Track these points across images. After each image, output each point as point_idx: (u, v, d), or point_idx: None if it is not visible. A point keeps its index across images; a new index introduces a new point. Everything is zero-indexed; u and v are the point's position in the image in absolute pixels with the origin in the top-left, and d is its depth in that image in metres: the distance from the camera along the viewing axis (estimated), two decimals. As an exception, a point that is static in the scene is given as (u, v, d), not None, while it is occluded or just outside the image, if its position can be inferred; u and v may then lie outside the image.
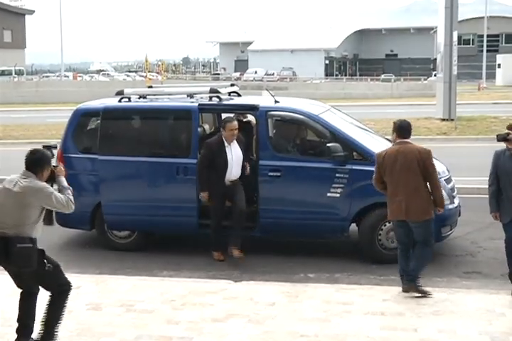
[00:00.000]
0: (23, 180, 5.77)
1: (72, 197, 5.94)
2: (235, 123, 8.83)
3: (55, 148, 6.39)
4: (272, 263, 8.73)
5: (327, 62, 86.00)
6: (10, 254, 5.67)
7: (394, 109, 32.39)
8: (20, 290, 6.06)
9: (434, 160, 7.37)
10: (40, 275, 5.86)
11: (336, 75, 79.16)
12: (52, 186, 5.95)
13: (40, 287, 6.04)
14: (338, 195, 8.81)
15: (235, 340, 6.10)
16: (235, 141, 8.85)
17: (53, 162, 6.11)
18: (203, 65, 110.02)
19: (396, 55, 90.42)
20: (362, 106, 34.84)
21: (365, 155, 8.84)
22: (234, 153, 8.84)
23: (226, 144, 8.79)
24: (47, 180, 5.94)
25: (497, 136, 7.21)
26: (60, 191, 5.92)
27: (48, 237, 10.46)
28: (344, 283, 7.98)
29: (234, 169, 8.87)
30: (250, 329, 6.23)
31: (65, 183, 6.04)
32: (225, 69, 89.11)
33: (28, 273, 5.81)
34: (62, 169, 6.15)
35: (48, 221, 6.10)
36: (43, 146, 6.16)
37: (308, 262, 8.82)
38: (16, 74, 66.84)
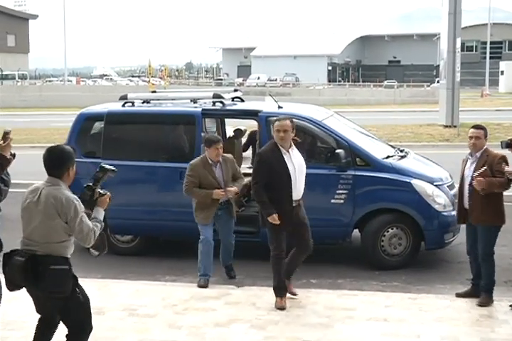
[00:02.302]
0: (48, 187, 5.01)
1: (97, 232, 5.03)
2: (287, 122, 7.14)
3: (113, 171, 5.33)
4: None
5: (330, 68, 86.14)
6: (40, 276, 4.89)
7: (397, 116, 32.42)
8: (38, 315, 5.38)
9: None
10: (66, 306, 5.09)
11: (339, 81, 79.24)
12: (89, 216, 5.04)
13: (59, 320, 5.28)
14: (341, 201, 8.81)
15: (238, 345, 6.10)
16: (293, 146, 7.23)
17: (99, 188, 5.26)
18: (206, 71, 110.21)
19: (399, 61, 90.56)
20: (364, 112, 34.86)
21: (368, 161, 8.84)
22: (295, 163, 7.14)
23: (284, 151, 7.13)
24: (86, 206, 5.06)
25: (501, 142, 7.19)
26: (91, 221, 5.04)
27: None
28: (347, 289, 7.97)
29: (298, 184, 7.16)
30: (252, 334, 6.22)
31: (101, 216, 5.14)
32: (227, 74, 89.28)
33: (57, 299, 5.03)
34: (108, 200, 5.21)
35: (101, 246, 5.28)
36: (100, 167, 5.32)
37: (310, 268, 8.79)
38: (19, 78, 67.03)
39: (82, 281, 8.08)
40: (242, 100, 10.28)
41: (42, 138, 24.05)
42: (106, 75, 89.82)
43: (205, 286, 7.85)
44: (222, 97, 9.62)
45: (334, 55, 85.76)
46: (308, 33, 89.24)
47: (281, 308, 7.00)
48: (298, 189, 7.16)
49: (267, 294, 7.38)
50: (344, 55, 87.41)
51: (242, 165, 11.03)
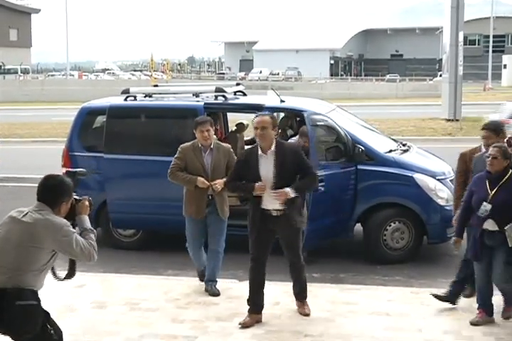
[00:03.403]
0: (35, 212, 4.53)
1: (95, 244, 4.62)
2: (266, 118, 6.41)
3: (83, 175, 5.14)
4: (277, 263, 8.70)
5: (332, 62, 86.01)
6: (3, 314, 4.37)
7: (399, 110, 32.38)
8: None
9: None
10: None
11: (341, 75, 79.17)
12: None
13: None
14: (345, 196, 8.81)
15: (240, 339, 6.10)
16: (277, 147, 6.41)
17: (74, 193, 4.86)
18: (208, 65, 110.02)
19: (401, 55, 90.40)
20: (367, 106, 34.81)
21: (371, 155, 8.83)
22: (273, 167, 6.39)
23: (260, 153, 6.43)
24: (65, 217, 4.65)
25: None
26: (80, 234, 4.62)
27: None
28: (349, 283, 7.97)
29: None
30: (255, 328, 6.22)
31: (88, 224, 4.73)
32: (230, 68, 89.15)
33: (25, 339, 4.51)
34: (87, 204, 4.78)
35: (69, 273, 4.82)
36: (66, 172, 5.08)
37: (312, 262, 8.79)
38: (21, 72, 66.97)
39: (83, 275, 8.14)
40: (245, 94, 10.26)
41: (44, 133, 24.06)
42: (108, 69, 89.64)
43: (216, 294, 7.30)
44: (224, 91, 9.60)
45: (336, 49, 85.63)
46: (311, 26, 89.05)
47: (243, 325, 6.33)
48: (270, 198, 6.31)
49: (268, 288, 7.37)
50: (346, 49, 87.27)
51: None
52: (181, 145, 7.47)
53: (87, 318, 6.65)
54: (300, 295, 6.79)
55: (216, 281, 7.42)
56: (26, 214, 4.53)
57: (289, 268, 6.80)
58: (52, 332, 4.65)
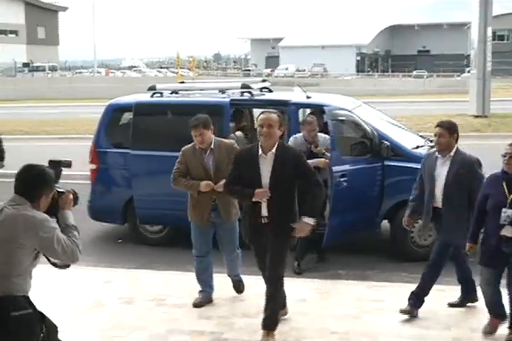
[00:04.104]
0: (11, 207, 4.08)
1: (79, 242, 4.20)
2: (272, 116, 5.94)
3: (67, 165, 4.54)
4: (303, 260, 8.71)
5: (358, 58, 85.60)
6: None
7: (426, 106, 32.15)
8: None
9: None
10: None
11: (368, 71, 78.77)
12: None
13: None
14: (371, 192, 8.77)
15: (266, 336, 6.09)
16: (280, 149, 5.93)
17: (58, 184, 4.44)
18: (234, 61, 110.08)
19: (428, 51, 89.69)
20: (394, 102, 34.57)
21: (398, 151, 8.78)
22: (273, 169, 5.90)
23: (260, 153, 5.93)
24: (45, 211, 4.19)
25: None
26: (62, 231, 4.15)
27: (81, 230, 10.57)
28: (375, 280, 7.93)
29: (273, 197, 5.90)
30: (281, 325, 6.20)
31: (71, 220, 4.28)
32: (256, 65, 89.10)
33: None
34: (71, 198, 4.35)
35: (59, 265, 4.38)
36: (49, 162, 4.46)
37: (339, 259, 8.78)
38: (49, 70, 67.55)
39: (111, 271, 8.21)
40: (271, 90, 10.25)
41: (71, 130, 24.23)
42: (135, 67, 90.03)
43: (199, 305, 6.87)
44: (250, 88, 9.60)
45: (363, 45, 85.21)
46: (337, 22, 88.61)
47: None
48: (264, 204, 5.87)
49: (294, 285, 7.37)
50: (373, 45, 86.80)
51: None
52: (182, 148, 7.04)
53: (115, 313, 6.70)
54: (266, 322, 5.95)
55: (239, 275, 7.27)
56: (1, 210, 4.09)
57: (266, 285, 6.08)
58: (44, 332, 4.23)
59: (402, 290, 7.25)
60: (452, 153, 6.40)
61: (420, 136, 10.34)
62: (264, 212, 5.88)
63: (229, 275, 7.29)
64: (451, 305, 6.78)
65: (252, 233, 6.04)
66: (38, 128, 24.90)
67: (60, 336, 6.00)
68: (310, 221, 5.77)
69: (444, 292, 7.17)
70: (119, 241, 10.02)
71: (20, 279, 4.08)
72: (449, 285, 7.54)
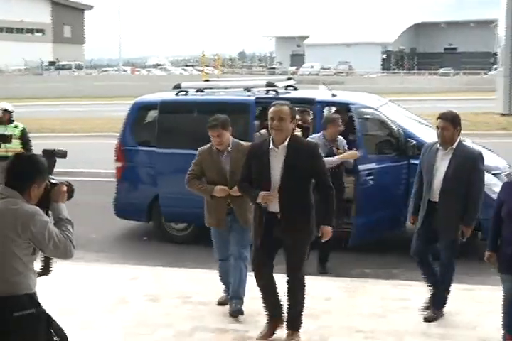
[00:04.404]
0: (1, 200, 3.86)
1: (73, 237, 3.94)
2: (284, 108, 5.71)
3: (61, 156, 4.27)
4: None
5: (384, 56, 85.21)
6: (1, 329, 3.79)
7: (452, 104, 31.83)
8: None
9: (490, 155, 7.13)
10: None
11: (393, 69, 78.37)
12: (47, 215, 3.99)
13: None
14: (397, 190, 8.73)
15: (291, 334, 6.08)
16: (293, 142, 5.71)
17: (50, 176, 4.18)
18: (259, 60, 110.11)
19: (455, 48, 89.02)
20: (419, 100, 34.36)
21: (423, 150, 8.73)
22: (285, 163, 5.68)
23: (271, 146, 5.73)
24: (37, 203, 3.95)
25: None
26: (55, 224, 3.92)
27: (107, 228, 10.68)
28: (401, 279, 7.89)
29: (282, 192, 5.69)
30: (306, 323, 6.19)
31: (65, 213, 4.03)
32: (281, 63, 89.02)
33: None
34: (64, 189, 4.09)
35: (44, 269, 4.14)
36: (43, 151, 4.20)
37: (364, 257, 8.75)
38: (75, 68, 68.05)
39: (136, 268, 8.26)
40: (296, 88, 10.24)
41: (96, 128, 24.39)
42: (160, 65, 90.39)
43: (224, 303, 6.75)
44: (275, 86, 9.59)
45: (388, 43, 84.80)
46: (362, 20, 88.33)
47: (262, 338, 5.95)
48: (275, 199, 5.61)
49: (320, 284, 7.36)
50: (398, 43, 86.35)
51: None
52: (199, 148, 6.76)
53: (140, 311, 6.73)
54: (290, 323, 5.89)
55: (241, 299, 6.53)
56: None
57: (286, 285, 5.89)
58: (56, 338, 4.07)
59: (425, 289, 7.21)
60: (454, 146, 6.23)
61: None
62: (275, 207, 5.64)
63: (230, 299, 6.60)
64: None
65: (262, 228, 5.75)
66: (64, 126, 25.09)
67: (85, 333, 6.08)
68: (329, 228, 5.80)
69: (472, 291, 7.13)
70: (145, 238, 10.07)
71: (21, 277, 3.87)
72: (475, 284, 7.51)
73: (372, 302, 6.84)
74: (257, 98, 9.39)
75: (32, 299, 3.93)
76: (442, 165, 6.23)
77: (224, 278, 6.89)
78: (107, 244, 10.02)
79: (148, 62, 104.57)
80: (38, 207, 3.91)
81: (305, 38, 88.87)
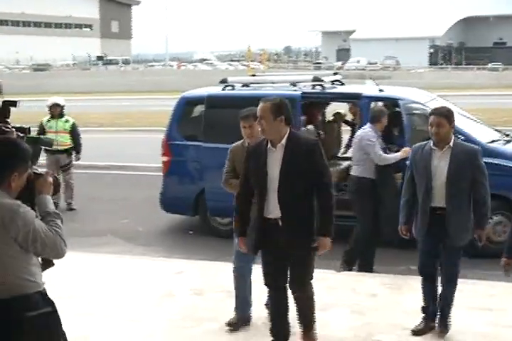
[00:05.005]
0: None
1: (63, 232, 3.55)
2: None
3: (47, 144, 3.99)
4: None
5: (432, 50, 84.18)
6: (13, 329, 3.45)
7: (501, 99, 31.41)
8: None
9: None
10: None
11: (441, 64, 77.40)
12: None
13: None
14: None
15: (337, 330, 6.07)
16: (293, 140, 5.22)
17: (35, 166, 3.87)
18: (305, 54, 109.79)
19: (504, 43, 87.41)
20: (468, 95, 33.88)
21: (472, 146, 8.61)
22: (284, 164, 5.21)
23: (269, 146, 5.27)
24: (19, 196, 3.54)
25: None
26: (42, 219, 3.53)
27: (153, 222, 10.78)
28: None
29: (279, 195, 5.18)
30: (352, 319, 6.18)
31: (52, 206, 3.63)
32: (326, 58, 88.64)
33: None
34: (50, 180, 3.69)
35: (45, 260, 3.78)
36: (27, 138, 3.86)
37: (410, 254, 8.60)
38: (122, 63, 68.77)
39: (182, 262, 8.31)
40: (342, 83, 10.19)
41: (143, 122, 24.59)
42: (206, 60, 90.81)
43: (232, 324, 6.15)
44: (321, 80, 9.55)
45: (436, 37, 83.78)
46: (410, 14, 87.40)
47: None
48: (275, 203, 5.14)
49: (366, 280, 7.32)
50: (446, 37, 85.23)
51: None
52: (231, 146, 6.38)
53: (186, 304, 6.77)
54: (303, 323, 5.53)
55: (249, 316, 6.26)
56: None
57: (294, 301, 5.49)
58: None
59: (474, 287, 7.13)
60: (452, 144, 5.69)
61: (495, 129, 10.11)
62: (274, 212, 5.15)
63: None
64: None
65: (261, 236, 5.27)
66: (111, 121, 25.37)
67: (132, 325, 6.15)
68: (326, 239, 5.17)
69: (519, 289, 7.01)
70: (190, 232, 10.13)
71: (26, 274, 3.50)
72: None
73: (418, 300, 6.75)
74: (303, 93, 9.36)
75: (45, 297, 3.60)
76: (442, 167, 5.64)
77: (241, 291, 6.30)
78: (153, 237, 10.12)
79: (195, 57, 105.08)
80: (18, 201, 3.49)
81: (351, 32, 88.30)
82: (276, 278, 5.41)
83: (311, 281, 5.39)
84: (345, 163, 10.22)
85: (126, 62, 71.24)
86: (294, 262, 5.30)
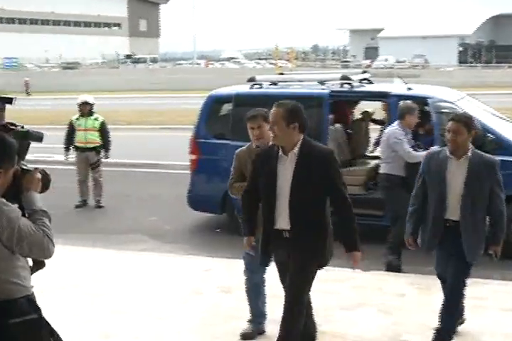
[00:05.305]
0: None
1: (51, 232, 3.35)
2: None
3: (37, 139, 3.74)
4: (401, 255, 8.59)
5: (461, 48, 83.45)
6: None
7: (532, 98, 31.06)
8: None
9: None
10: None
11: (471, 62, 76.72)
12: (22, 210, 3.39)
13: None
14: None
15: (365, 329, 6.05)
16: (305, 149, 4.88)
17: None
18: (333, 53, 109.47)
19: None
20: (498, 94, 33.57)
21: (503, 145, 8.52)
22: (295, 173, 4.86)
23: (281, 153, 4.92)
24: (5, 193, 3.36)
25: None
26: (29, 217, 3.35)
27: (181, 220, 10.82)
28: (476, 277, 7.71)
29: (291, 205, 4.85)
30: (380, 319, 6.15)
31: (39, 204, 3.42)
32: (354, 56, 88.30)
33: None
34: (38, 177, 3.51)
35: (36, 262, 3.60)
36: (14, 132, 3.63)
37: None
38: (150, 61, 69.10)
39: (209, 260, 8.33)
40: (371, 82, 10.14)
41: (172, 120, 24.70)
42: (233, 58, 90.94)
43: (249, 337, 5.89)
44: (350, 79, 9.52)
45: (466, 35, 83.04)
46: (439, 12, 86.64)
47: None
48: (286, 213, 4.83)
49: (393, 279, 7.29)
50: (476, 35, 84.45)
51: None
52: (236, 150, 6.04)
53: (213, 302, 6.79)
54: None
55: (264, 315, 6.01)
56: None
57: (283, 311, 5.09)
58: None
59: (505, 288, 7.08)
60: (470, 154, 5.33)
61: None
62: (284, 224, 4.87)
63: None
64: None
65: (270, 245, 5.05)
66: (139, 119, 25.52)
67: (160, 322, 6.18)
68: (357, 253, 4.90)
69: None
70: (217, 230, 10.16)
71: (12, 277, 3.32)
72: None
73: (447, 300, 6.72)
74: (331, 91, 9.35)
75: (31, 302, 3.41)
76: (457, 178, 5.29)
77: (254, 302, 6.00)
78: (181, 235, 10.16)
79: (222, 55, 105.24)
80: (2, 199, 3.31)
81: (379, 30, 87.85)
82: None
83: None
84: (374, 162, 10.18)
85: (154, 61, 71.60)
86: (292, 269, 4.95)
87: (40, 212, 3.38)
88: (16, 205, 3.37)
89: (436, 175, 5.37)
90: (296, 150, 4.81)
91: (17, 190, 3.41)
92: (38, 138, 3.72)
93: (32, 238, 3.25)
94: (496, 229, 5.42)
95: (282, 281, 5.20)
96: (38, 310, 3.43)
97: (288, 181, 4.79)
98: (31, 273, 3.51)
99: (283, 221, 4.85)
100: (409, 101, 8.81)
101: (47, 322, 3.51)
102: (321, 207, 4.87)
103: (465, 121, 5.28)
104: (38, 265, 3.62)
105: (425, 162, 5.57)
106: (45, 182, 3.58)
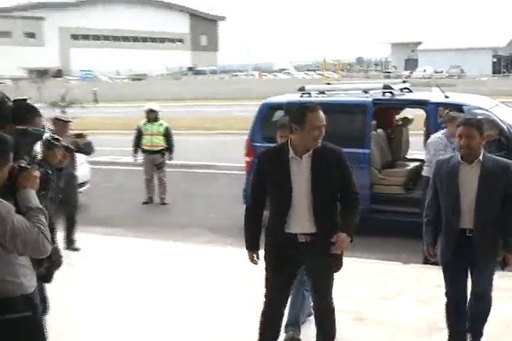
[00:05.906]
0: None
1: (47, 229, 3.07)
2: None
3: (36, 136, 3.49)
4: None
5: (495, 60, 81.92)
6: None
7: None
8: None
9: None
10: None
11: (503, 72, 75.21)
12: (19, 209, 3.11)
13: None
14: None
15: (404, 317, 5.99)
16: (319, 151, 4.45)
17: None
18: (375, 64, 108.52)
19: None
20: (529, 102, 32.82)
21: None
22: (309, 175, 4.43)
23: (292, 154, 4.43)
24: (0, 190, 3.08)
25: None
26: (24, 215, 3.06)
27: (239, 216, 10.84)
28: (508, 270, 7.56)
29: (308, 209, 4.41)
30: (418, 308, 6.08)
31: (36, 201, 3.13)
32: (395, 67, 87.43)
33: None
34: (35, 175, 3.20)
35: (46, 274, 3.40)
36: (17, 129, 3.39)
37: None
38: (210, 73, 69.63)
39: (230, 253, 8.33)
40: (410, 91, 10.05)
41: (227, 126, 24.79)
42: (285, 69, 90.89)
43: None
44: (391, 88, 9.47)
45: (499, 48, 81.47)
46: (473, 25, 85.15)
47: None
48: (304, 216, 4.36)
49: (430, 271, 7.18)
50: (509, 47, 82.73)
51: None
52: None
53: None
54: None
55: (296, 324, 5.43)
56: None
57: (314, 312, 4.80)
58: None
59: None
60: (481, 158, 4.78)
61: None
62: (305, 228, 4.38)
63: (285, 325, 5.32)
64: None
65: (282, 253, 4.54)
66: (200, 125, 25.70)
67: (217, 310, 6.21)
68: (345, 236, 4.39)
69: None
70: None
71: (7, 275, 3.12)
72: None
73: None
74: (374, 99, 9.30)
75: (30, 301, 3.19)
76: (470, 183, 4.71)
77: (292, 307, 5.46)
78: (239, 230, 10.16)
79: (275, 67, 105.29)
80: None
81: (418, 43, 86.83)
82: (277, 295, 4.83)
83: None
84: (413, 164, 10.10)
85: (213, 72, 72.18)
86: (315, 272, 4.61)
87: (35, 209, 3.10)
88: (12, 202, 3.10)
89: (447, 183, 4.79)
90: (310, 152, 4.37)
91: (13, 187, 3.13)
92: (37, 135, 3.48)
93: (26, 235, 2.99)
94: (510, 232, 4.80)
95: (277, 287, 4.74)
96: (34, 307, 3.21)
97: (304, 184, 4.32)
98: (44, 272, 3.32)
99: (304, 224, 4.37)
100: (455, 112, 8.70)
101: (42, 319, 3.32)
102: (336, 208, 4.52)
103: (477, 125, 4.76)
104: (46, 263, 3.35)
105: (435, 171, 4.96)
106: (44, 182, 3.35)
